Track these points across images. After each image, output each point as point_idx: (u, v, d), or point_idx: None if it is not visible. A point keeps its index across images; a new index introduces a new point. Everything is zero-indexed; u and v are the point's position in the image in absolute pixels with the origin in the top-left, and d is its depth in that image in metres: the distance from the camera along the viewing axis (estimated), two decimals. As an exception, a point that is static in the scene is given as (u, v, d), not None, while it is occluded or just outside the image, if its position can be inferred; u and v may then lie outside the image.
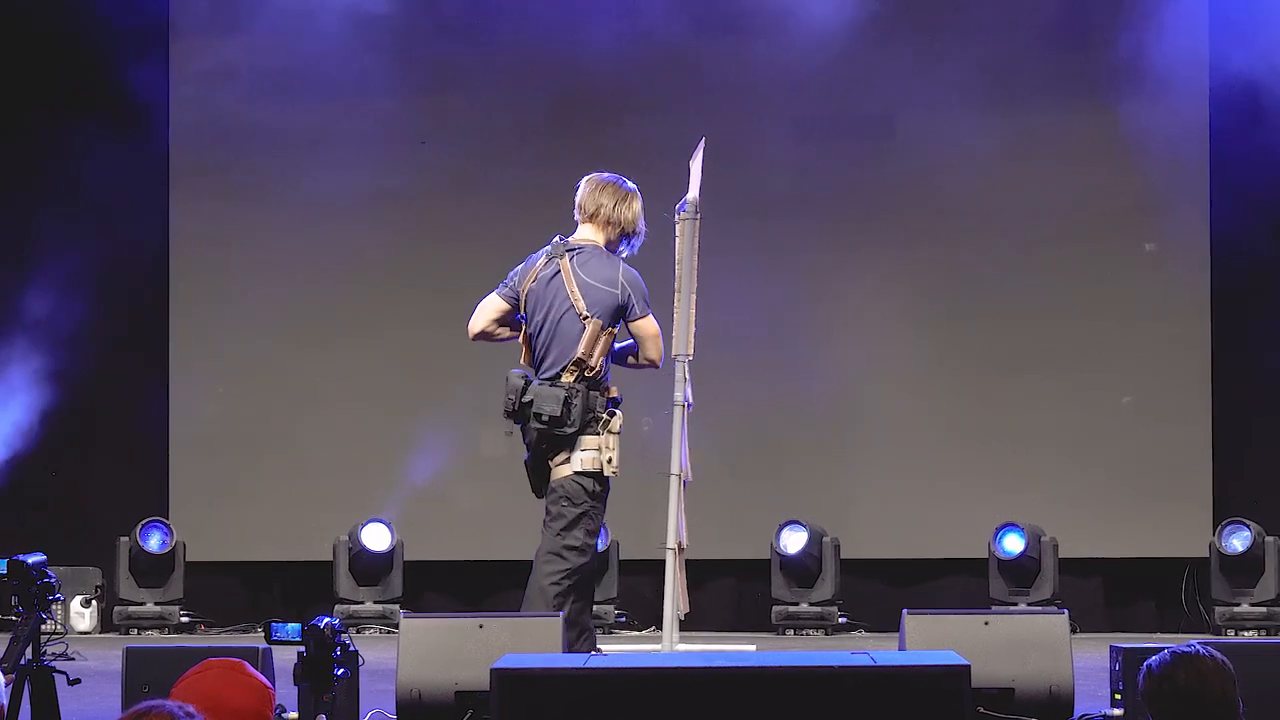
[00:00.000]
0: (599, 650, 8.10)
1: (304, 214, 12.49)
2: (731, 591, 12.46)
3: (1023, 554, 11.78)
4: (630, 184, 8.12)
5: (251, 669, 4.41)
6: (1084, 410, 12.17)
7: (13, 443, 12.30)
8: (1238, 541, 11.68)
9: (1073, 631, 7.58)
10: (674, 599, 8.40)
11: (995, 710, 7.14)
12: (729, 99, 12.31)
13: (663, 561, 8.39)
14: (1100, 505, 12.09)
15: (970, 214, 12.33)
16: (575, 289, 7.89)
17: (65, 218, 12.35)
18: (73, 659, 8.90)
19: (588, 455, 7.84)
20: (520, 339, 8.10)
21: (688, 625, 9.08)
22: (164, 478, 12.54)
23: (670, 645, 8.47)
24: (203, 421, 12.52)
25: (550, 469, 7.90)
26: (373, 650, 7.92)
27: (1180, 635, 11.42)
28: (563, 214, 8.32)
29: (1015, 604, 11.71)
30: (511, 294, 8.06)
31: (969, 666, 5.16)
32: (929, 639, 7.19)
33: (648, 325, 7.98)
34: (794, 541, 11.95)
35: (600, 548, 9.82)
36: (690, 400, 8.44)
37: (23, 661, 6.68)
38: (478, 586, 12.42)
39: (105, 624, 12.24)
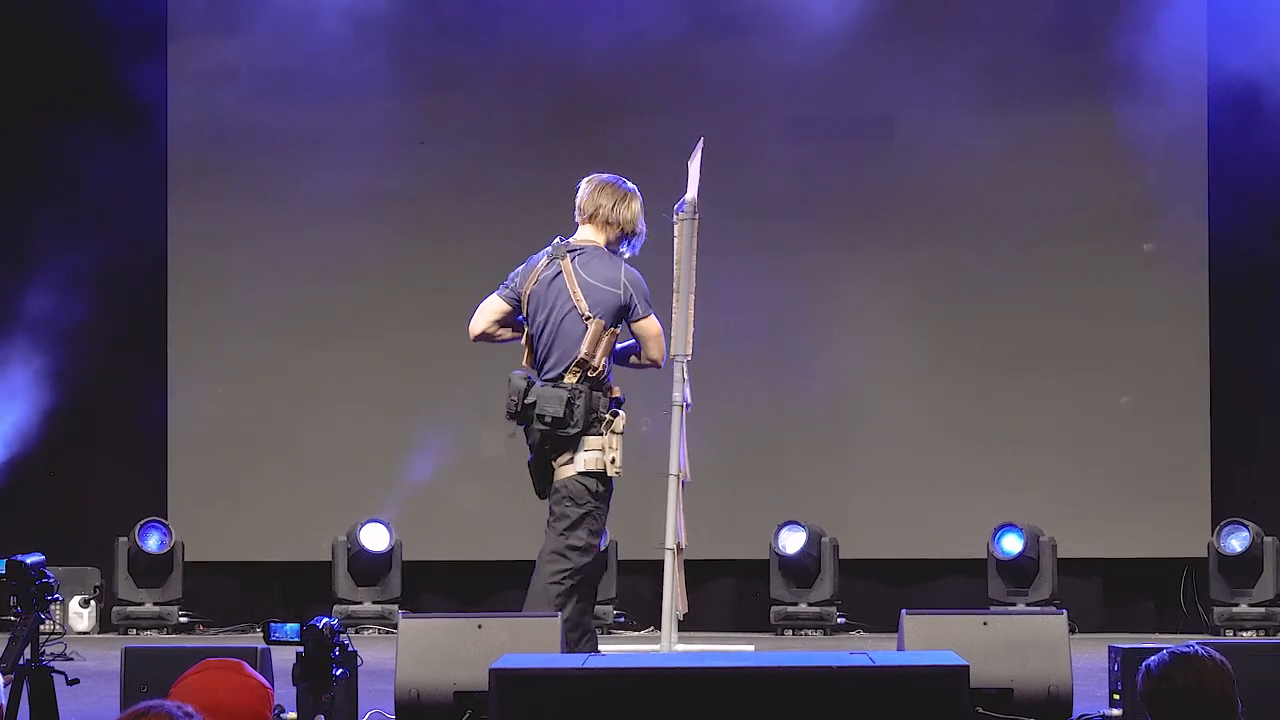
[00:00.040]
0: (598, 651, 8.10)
1: (303, 214, 12.49)
2: (730, 592, 12.46)
3: (1021, 554, 11.78)
4: (630, 184, 8.11)
5: (250, 669, 4.41)
6: (1082, 410, 12.18)
7: (12, 443, 12.30)
8: (1236, 542, 11.69)
9: (1071, 632, 7.58)
10: (673, 599, 8.40)
11: (994, 710, 7.14)
12: (729, 99, 12.31)
13: (661, 562, 8.38)
14: (1099, 505, 12.09)
15: (968, 214, 12.33)
16: (577, 289, 7.88)
17: (64, 218, 12.34)
18: (71, 659, 8.93)
19: (591, 455, 7.84)
20: (522, 340, 8.08)
21: (686, 625, 9.08)
22: (163, 478, 12.54)
23: (669, 645, 8.47)
24: (202, 421, 12.52)
25: (554, 470, 7.90)
26: (371, 650, 7.93)
27: (1179, 635, 11.42)
28: (562, 214, 8.31)
29: (1014, 604, 11.71)
30: (512, 295, 8.05)
31: (968, 667, 5.16)
32: (928, 639, 7.18)
33: (650, 325, 7.98)
34: (793, 542, 11.96)
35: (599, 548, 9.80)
36: (689, 400, 8.44)
37: (21, 661, 6.68)
38: (476, 587, 12.42)
39: (104, 624, 12.24)
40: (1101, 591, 12.31)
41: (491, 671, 5.15)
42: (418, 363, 12.44)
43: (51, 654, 6.98)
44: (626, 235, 8.04)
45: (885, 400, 12.34)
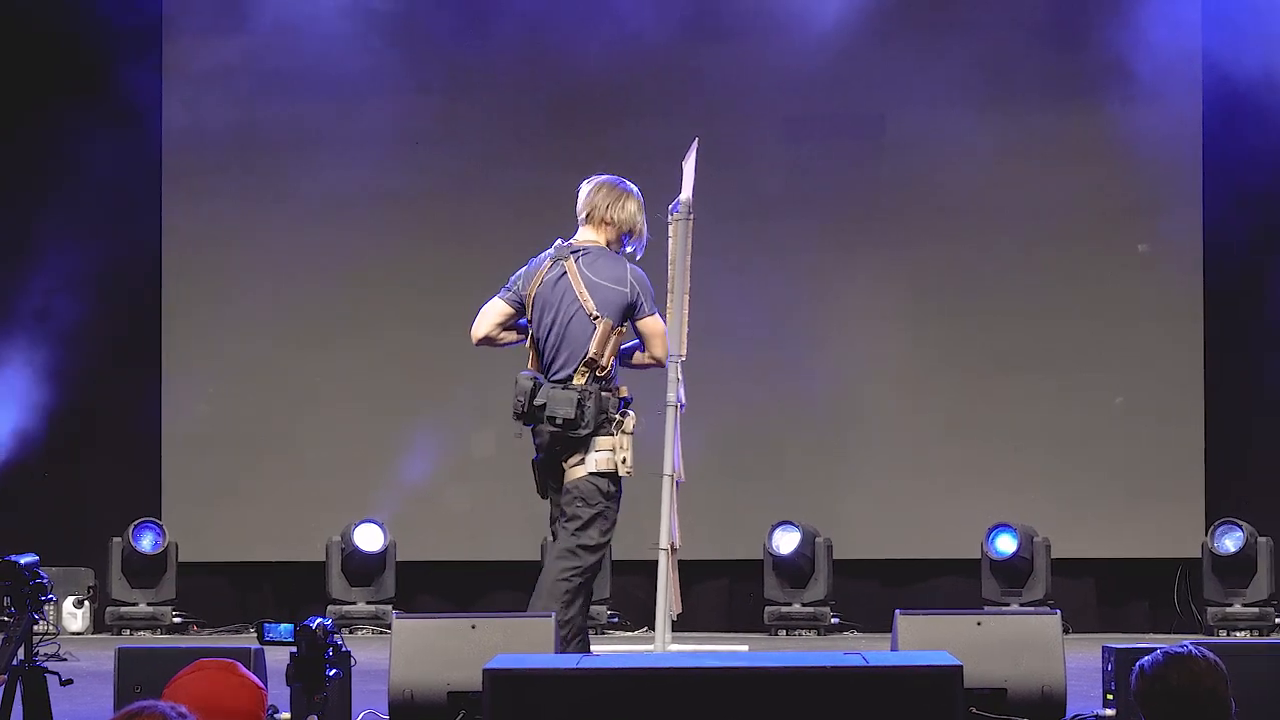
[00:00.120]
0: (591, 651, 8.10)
1: (297, 214, 12.49)
2: (724, 592, 12.46)
3: (1015, 554, 11.78)
4: (629, 184, 8.08)
5: (244, 669, 4.40)
6: (1076, 411, 12.18)
7: (6, 443, 12.29)
8: (1230, 542, 11.70)
9: (1065, 632, 7.58)
10: (666, 599, 8.39)
11: (988, 711, 7.14)
12: (728, 100, 12.31)
13: (655, 562, 8.38)
14: (1093, 506, 12.10)
15: (963, 214, 12.33)
16: (583, 289, 7.85)
17: (60, 218, 12.33)
18: (65, 659, 8.94)
19: (602, 456, 7.82)
20: (527, 343, 8.03)
21: (680, 626, 9.06)
22: (156, 478, 12.53)
23: (663, 646, 8.46)
24: (195, 422, 12.52)
25: (564, 470, 7.87)
26: (365, 651, 7.93)
27: (1173, 636, 11.43)
28: (562, 215, 8.31)
29: (1008, 604, 11.71)
30: (515, 298, 8.01)
31: (961, 667, 5.17)
32: (921, 639, 7.19)
33: (655, 324, 7.96)
34: (786, 542, 11.96)
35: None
36: (683, 401, 8.44)
37: (15, 662, 6.68)
38: (470, 587, 12.42)
39: (97, 624, 12.23)
40: (1095, 592, 12.32)
41: (485, 672, 5.15)
42: (412, 364, 12.44)
43: (45, 654, 6.97)
44: (625, 234, 8.02)
45: (878, 400, 12.34)
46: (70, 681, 6.90)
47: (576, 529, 7.81)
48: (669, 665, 5.66)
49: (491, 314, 8.03)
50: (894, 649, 7.30)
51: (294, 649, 6.25)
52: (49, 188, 12.42)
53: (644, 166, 9.32)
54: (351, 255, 12.44)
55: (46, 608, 6.92)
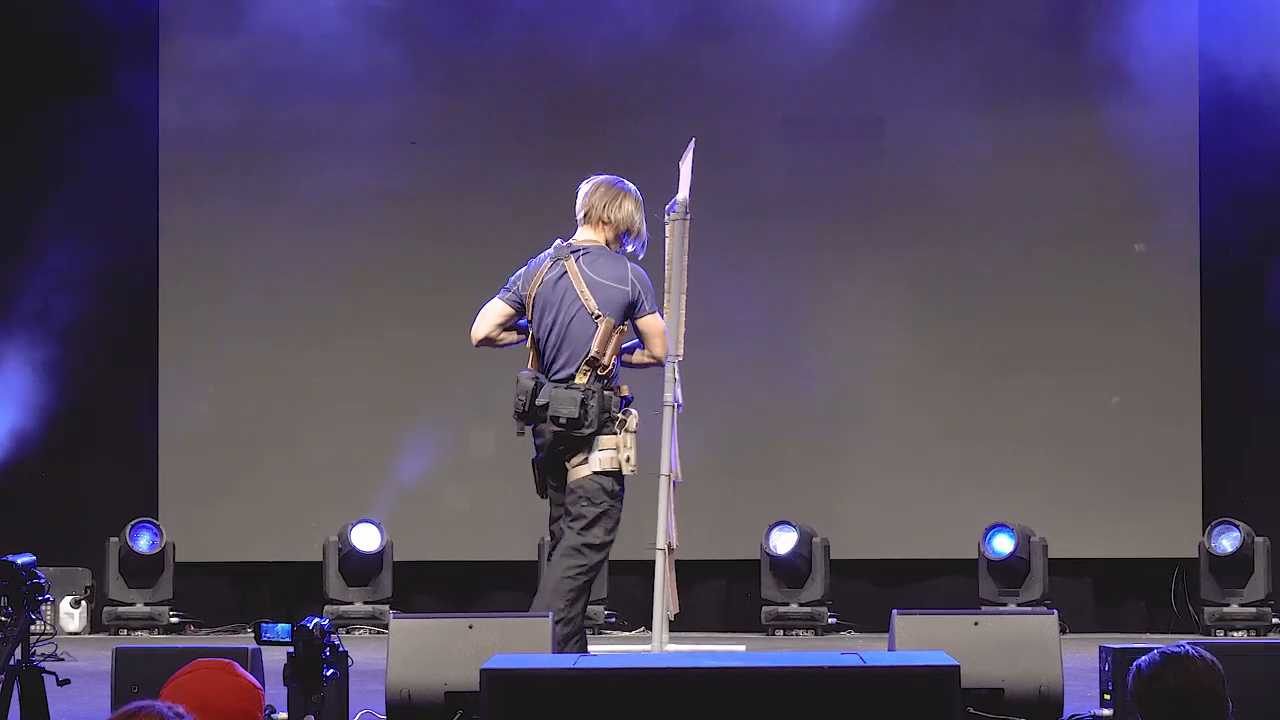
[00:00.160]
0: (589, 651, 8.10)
1: (294, 214, 12.49)
2: (721, 592, 12.46)
3: (1012, 554, 11.78)
4: (627, 184, 8.08)
5: (241, 669, 4.40)
6: (1074, 411, 12.19)
7: (3, 443, 12.29)
8: (1227, 542, 11.70)
9: (1062, 632, 7.60)
10: (663, 600, 8.39)
11: (985, 711, 7.14)
12: (727, 99, 12.32)
13: (652, 562, 8.38)
14: (1090, 506, 12.10)
15: (962, 215, 12.34)
16: (585, 288, 7.84)
17: (59, 218, 12.32)
18: (62, 659, 8.93)
19: (606, 455, 7.81)
20: (527, 343, 8.02)
21: (677, 626, 9.06)
22: (154, 478, 12.53)
23: (660, 646, 8.46)
24: (193, 422, 12.51)
25: (567, 470, 7.86)
26: (362, 651, 7.93)
27: (1170, 635, 11.44)
28: (561, 214, 8.30)
29: (1005, 604, 11.71)
30: (515, 298, 7.99)
31: (958, 667, 5.16)
32: (919, 639, 7.19)
33: (655, 322, 7.95)
34: (784, 542, 11.96)
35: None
36: (680, 401, 8.44)
37: (12, 662, 6.68)
38: (467, 587, 12.42)
39: (95, 624, 12.23)
40: (1092, 591, 12.32)
41: (482, 672, 5.15)
42: (409, 363, 12.44)
43: (42, 654, 6.96)
44: (623, 233, 8.01)
45: (876, 400, 12.34)
46: (67, 681, 6.90)
47: (582, 528, 7.80)
48: (666, 665, 5.66)
49: (491, 314, 8.02)
50: (891, 649, 7.30)
51: (291, 649, 6.25)
52: (47, 188, 12.41)
53: (643, 165, 9.33)
54: (349, 255, 12.44)
55: (44, 608, 6.91)
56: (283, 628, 6.27)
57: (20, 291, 12.31)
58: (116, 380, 12.63)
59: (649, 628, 8.68)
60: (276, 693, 6.46)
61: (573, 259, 7.91)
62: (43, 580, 6.83)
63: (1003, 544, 11.79)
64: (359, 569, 12.13)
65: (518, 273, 8.02)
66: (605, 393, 7.80)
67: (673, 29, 12.29)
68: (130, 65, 12.32)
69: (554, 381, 7.82)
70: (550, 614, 7.50)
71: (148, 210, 12.57)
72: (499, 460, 12.03)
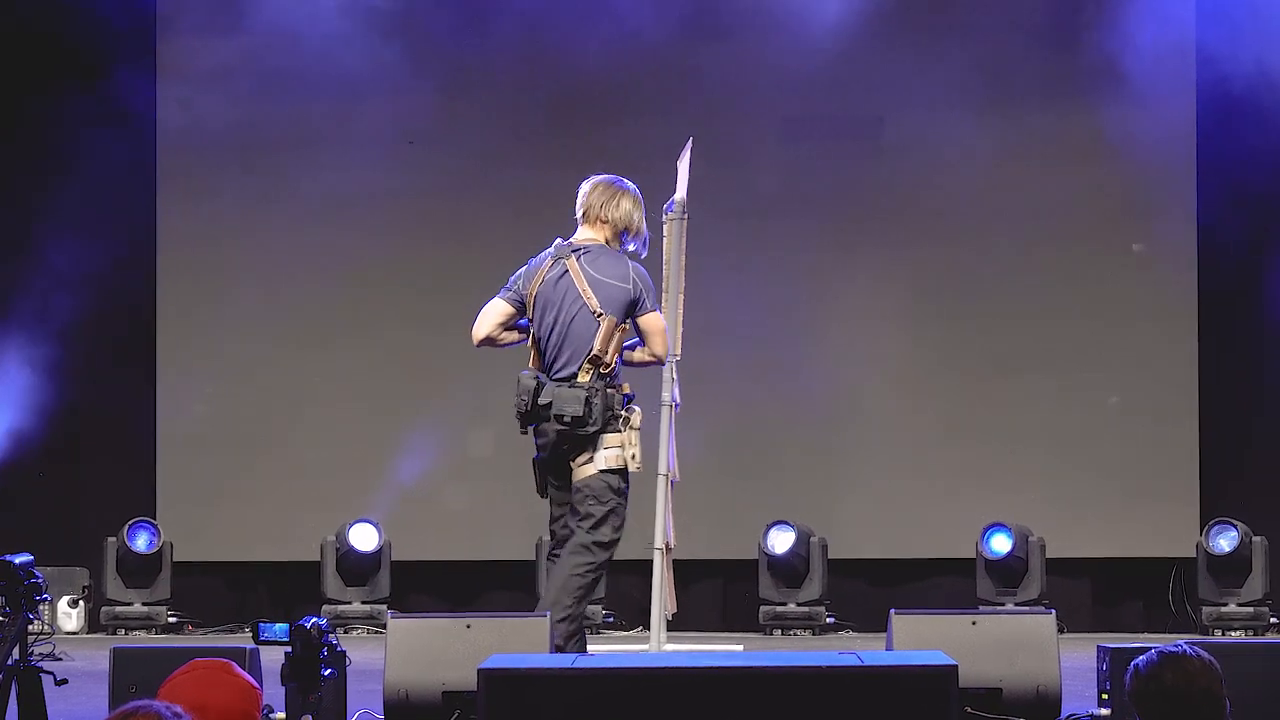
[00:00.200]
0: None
1: (292, 214, 12.49)
2: (719, 592, 12.47)
3: (1010, 554, 11.79)
4: (627, 183, 8.06)
5: (239, 669, 4.40)
6: (1071, 410, 12.19)
7: (1, 443, 12.28)
8: (1224, 541, 11.70)
9: (1060, 631, 7.59)
10: (661, 599, 8.40)
11: (983, 710, 7.14)
12: (726, 99, 12.32)
13: (650, 562, 8.39)
14: (1088, 505, 12.11)
15: (960, 215, 12.34)
16: (586, 287, 7.83)
17: (58, 218, 12.32)
18: (60, 659, 8.88)
19: (611, 453, 7.79)
20: (528, 343, 8.01)
21: (675, 625, 9.08)
22: (152, 478, 12.53)
23: (658, 645, 8.47)
24: (191, 422, 12.51)
25: (572, 469, 7.84)
26: (360, 650, 7.92)
27: (1167, 635, 11.43)
28: (561, 214, 8.30)
29: (1003, 604, 11.72)
30: (516, 297, 7.97)
31: (956, 666, 5.16)
32: (916, 639, 7.19)
33: (656, 320, 7.94)
34: (781, 541, 11.96)
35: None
36: (678, 400, 8.45)
37: (10, 662, 6.68)
38: (465, 587, 12.42)
39: (92, 624, 12.23)
40: (1090, 591, 12.33)
41: (480, 672, 5.14)
42: (406, 363, 12.44)
43: (40, 654, 6.95)
44: (622, 232, 8.00)
45: (874, 400, 12.35)
46: (65, 681, 6.90)
47: (591, 527, 7.78)
48: (664, 665, 5.66)
49: (493, 314, 7.99)
50: (889, 649, 7.31)
51: (289, 649, 6.25)
52: (46, 188, 12.41)
53: (643, 165, 9.33)
54: (348, 255, 12.44)
55: (41, 607, 6.91)
56: (280, 627, 6.27)
57: (19, 291, 12.31)
58: (115, 380, 12.63)
59: (647, 627, 8.69)
60: (274, 692, 6.46)
61: (574, 258, 7.90)
62: (40, 580, 6.82)
63: (1000, 543, 11.79)
64: (357, 569, 12.13)
65: (518, 272, 8.01)
66: (608, 390, 7.79)
67: (672, 29, 12.30)
68: (129, 65, 12.32)
69: (556, 380, 7.81)
70: (550, 613, 7.50)
71: (146, 210, 12.57)
72: (497, 460, 12.03)
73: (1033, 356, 12.26)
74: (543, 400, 7.78)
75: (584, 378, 7.79)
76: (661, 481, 8.32)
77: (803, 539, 11.97)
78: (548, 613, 7.53)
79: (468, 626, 7.25)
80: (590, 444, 7.79)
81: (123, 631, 12.06)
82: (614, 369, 7.84)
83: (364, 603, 12.08)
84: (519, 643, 7.10)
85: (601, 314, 7.79)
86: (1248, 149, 12.00)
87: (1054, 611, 7.75)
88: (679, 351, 8.31)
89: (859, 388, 12.35)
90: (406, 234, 12.52)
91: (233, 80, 12.48)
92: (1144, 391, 12.18)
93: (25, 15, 12.47)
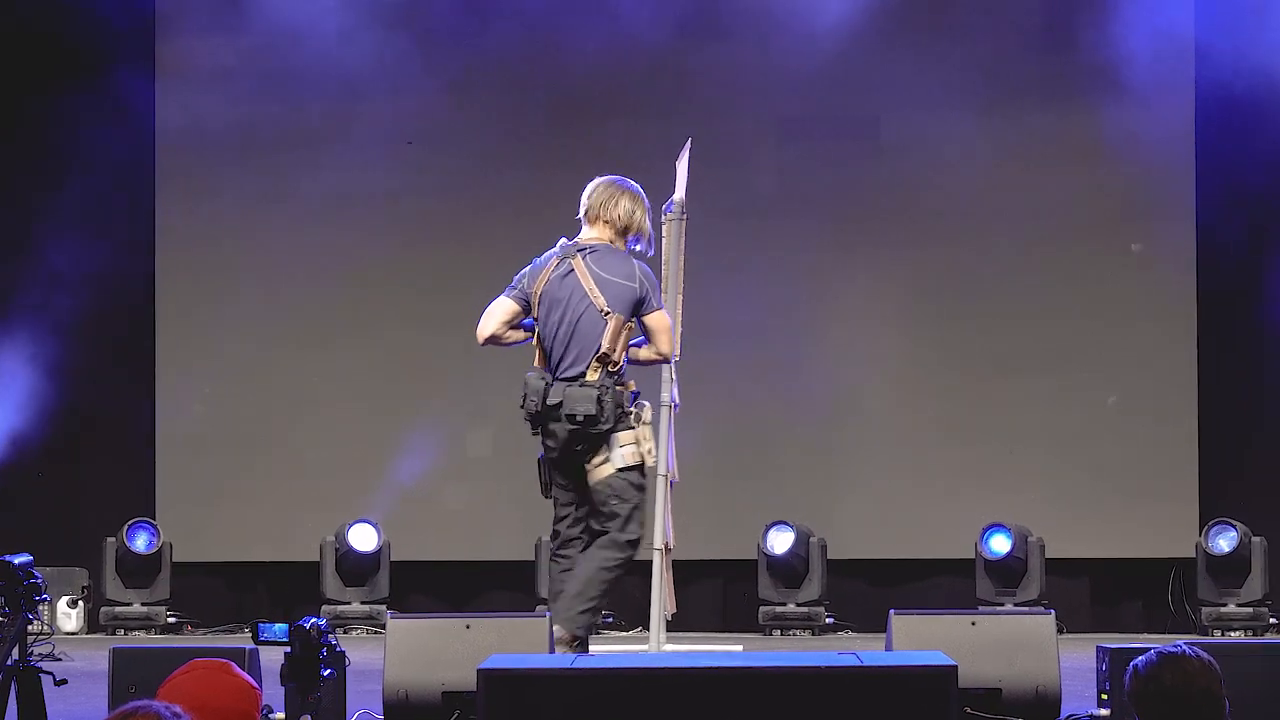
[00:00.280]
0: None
1: (293, 214, 12.49)
2: (718, 592, 12.46)
3: (1009, 554, 11.79)
4: (629, 183, 8.06)
5: (238, 669, 4.41)
6: (1071, 411, 12.19)
7: (0, 443, 12.28)
8: (1224, 542, 11.70)
9: (1059, 632, 7.59)
10: (661, 599, 8.41)
11: (982, 710, 7.14)
12: (725, 100, 12.32)
13: (650, 562, 8.39)
14: (1087, 506, 12.10)
15: (959, 216, 12.34)
16: (593, 286, 7.83)
17: (57, 217, 12.31)
18: (59, 659, 8.90)
19: (627, 450, 7.78)
20: (533, 341, 8.00)
21: (674, 626, 9.09)
22: (151, 478, 12.52)
23: (657, 646, 8.48)
24: (190, 422, 12.51)
25: (586, 470, 7.82)
26: (359, 651, 7.93)
27: (1167, 635, 11.43)
28: (561, 214, 8.30)
29: (1002, 604, 11.72)
30: (521, 296, 7.96)
31: (956, 667, 5.16)
32: (916, 639, 7.19)
33: (661, 319, 7.93)
34: (781, 542, 11.96)
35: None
36: (677, 401, 8.45)
37: (9, 662, 6.68)
38: (465, 587, 12.42)
39: (92, 624, 12.22)
40: (1089, 591, 12.32)
41: (480, 672, 5.14)
42: (406, 363, 12.44)
43: (39, 654, 6.95)
44: (624, 231, 8.00)
45: (873, 400, 12.35)
46: (65, 682, 6.90)
47: (619, 526, 7.76)
48: (663, 665, 5.65)
49: (498, 312, 7.98)
50: (888, 649, 7.31)
51: (288, 649, 6.25)
52: (45, 187, 12.41)
53: (642, 165, 9.33)
54: (348, 255, 12.44)
55: (41, 608, 6.91)
56: (280, 628, 6.27)
57: (18, 291, 12.30)
58: (114, 380, 12.63)
59: (646, 627, 8.70)
60: (274, 693, 6.46)
61: (579, 257, 7.89)
62: (40, 580, 6.82)
63: (1000, 544, 11.79)
64: (356, 569, 12.13)
65: (522, 271, 8.00)
66: (617, 388, 7.79)
67: (671, 29, 12.30)
68: (129, 65, 12.32)
69: (563, 380, 7.80)
70: (574, 603, 7.51)
71: (146, 210, 12.57)
72: (496, 460, 12.04)
73: (1032, 356, 12.26)
74: (552, 400, 7.76)
75: (593, 376, 7.77)
76: (661, 482, 8.32)
77: (802, 539, 11.97)
78: (549, 612, 7.53)
79: (467, 627, 7.25)
80: (603, 442, 7.77)
81: (122, 632, 12.06)
82: (621, 367, 7.83)
83: (363, 603, 12.08)
84: (518, 643, 7.10)
85: (609, 312, 7.79)
86: (1247, 149, 12.00)
87: (1053, 612, 7.76)
88: (678, 352, 8.31)
89: (859, 388, 12.35)
90: (406, 234, 12.52)
91: (233, 80, 12.48)
92: (1143, 391, 12.18)
93: (25, 15, 12.47)
